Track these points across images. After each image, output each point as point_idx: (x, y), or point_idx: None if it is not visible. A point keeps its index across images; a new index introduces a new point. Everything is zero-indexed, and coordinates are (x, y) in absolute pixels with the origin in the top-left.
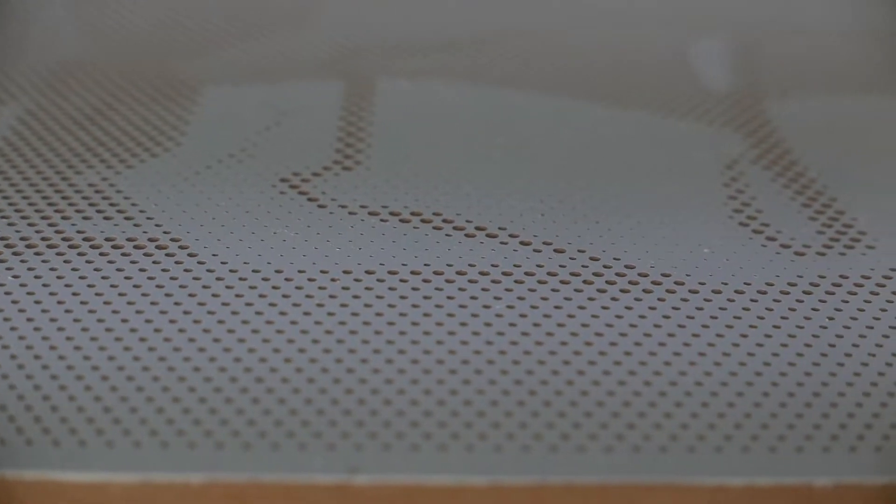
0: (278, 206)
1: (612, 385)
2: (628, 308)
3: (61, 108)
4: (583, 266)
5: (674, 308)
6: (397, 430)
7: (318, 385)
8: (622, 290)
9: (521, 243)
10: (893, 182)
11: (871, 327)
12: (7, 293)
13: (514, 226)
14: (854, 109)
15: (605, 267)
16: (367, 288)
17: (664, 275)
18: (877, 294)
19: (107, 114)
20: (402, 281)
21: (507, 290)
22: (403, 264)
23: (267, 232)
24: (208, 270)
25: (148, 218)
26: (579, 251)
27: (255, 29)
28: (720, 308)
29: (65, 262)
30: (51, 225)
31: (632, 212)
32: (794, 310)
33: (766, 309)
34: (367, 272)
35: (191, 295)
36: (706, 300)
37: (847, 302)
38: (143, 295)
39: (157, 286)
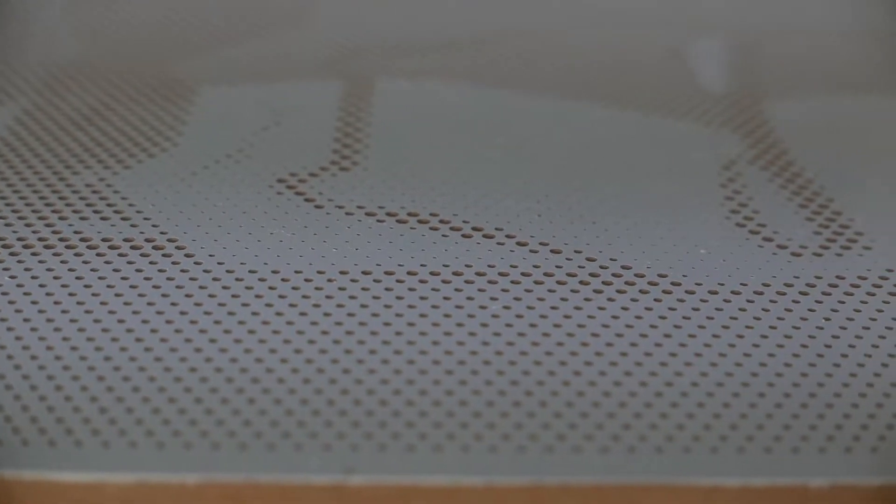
0: (275, 206)
1: (608, 386)
2: (625, 309)
3: (58, 109)
4: (579, 267)
5: (670, 309)
6: (393, 430)
7: (314, 385)
8: (619, 291)
9: (518, 244)
10: (891, 182)
11: (868, 328)
12: (4, 293)
13: (511, 226)
14: (852, 110)
15: (601, 267)
16: (363, 288)
17: (661, 275)
18: (873, 295)
19: (104, 114)
20: (398, 281)
21: (503, 290)
22: (400, 265)
23: (264, 232)
24: (205, 271)
25: (145, 218)
26: (576, 252)
27: (252, 29)
28: (716, 309)
29: (61, 262)
30: (48, 225)
31: (629, 212)
32: (790, 310)
33: (763, 310)
34: (364, 273)
35: (187, 296)
36: (703, 301)
37: (843, 303)
38: (140, 295)
39: (154, 287)
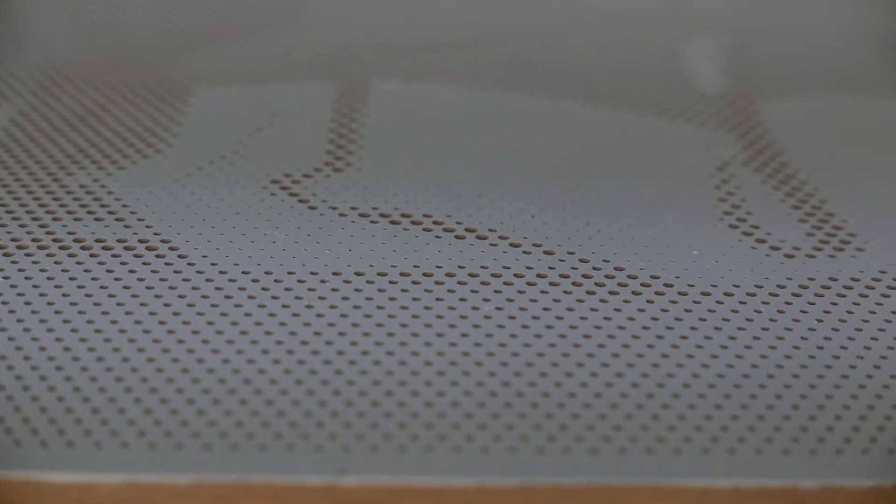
0: (269, 207)
1: (600, 387)
2: (617, 310)
3: (53, 110)
4: (572, 268)
5: (662, 310)
6: (385, 431)
7: (306, 386)
8: (611, 293)
9: (512, 245)
10: (884, 184)
11: (860, 329)
12: None
13: (505, 227)
14: (847, 111)
15: (594, 269)
16: (356, 290)
17: (653, 277)
18: (866, 296)
19: (98, 115)
20: (391, 283)
21: (496, 291)
22: (393, 266)
23: (257, 233)
24: (198, 272)
25: (139, 219)
26: (569, 253)
27: (246, 30)
28: (709, 310)
29: (55, 263)
30: (41, 226)
31: (622, 213)
32: (782, 312)
33: (755, 311)
34: (357, 274)
35: (180, 296)
36: (695, 302)
37: (836, 304)
38: (133, 296)
39: (147, 287)
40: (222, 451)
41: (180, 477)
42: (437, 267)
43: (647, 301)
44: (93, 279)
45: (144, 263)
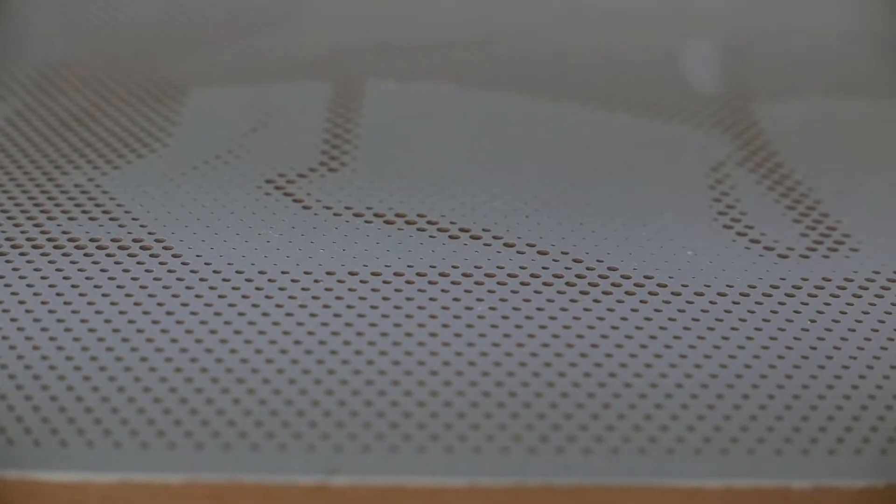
0: (263, 207)
1: (593, 387)
2: (610, 310)
3: (48, 109)
4: (566, 268)
5: (656, 310)
6: (377, 431)
7: (299, 386)
8: (605, 293)
9: (506, 245)
10: (878, 184)
11: (853, 330)
12: None
13: (499, 227)
14: (842, 111)
15: (588, 269)
16: (350, 289)
17: (647, 277)
18: (860, 297)
19: (93, 114)
20: (385, 283)
21: (489, 291)
22: (387, 266)
23: (251, 233)
24: (192, 271)
25: (133, 219)
26: (563, 253)
27: (242, 30)
28: (702, 310)
29: (49, 262)
30: (36, 226)
31: (616, 214)
32: (776, 312)
33: (748, 311)
34: (351, 273)
35: (174, 296)
36: (688, 302)
37: (829, 305)
38: (127, 296)
39: (141, 287)
40: (215, 450)
41: (173, 476)
42: (430, 267)
43: (641, 301)
44: (87, 278)
45: (139, 263)
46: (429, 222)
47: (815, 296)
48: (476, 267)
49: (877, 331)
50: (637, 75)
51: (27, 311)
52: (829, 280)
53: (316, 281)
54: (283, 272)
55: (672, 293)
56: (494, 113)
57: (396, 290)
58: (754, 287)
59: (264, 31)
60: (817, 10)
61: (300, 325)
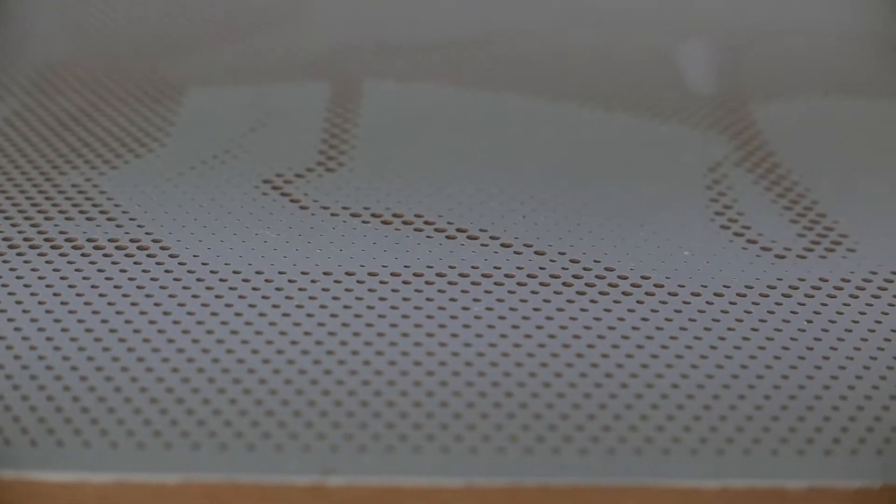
0: (260, 207)
1: (589, 387)
2: (607, 311)
3: (46, 109)
4: (563, 268)
5: (652, 311)
6: (373, 431)
7: (296, 386)
8: (601, 293)
9: (503, 245)
10: (876, 184)
11: (850, 331)
12: None
13: (496, 227)
14: (839, 111)
15: (585, 269)
16: (346, 290)
17: (644, 277)
18: (856, 297)
19: (91, 114)
20: (381, 283)
21: (486, 292)
22: (384, 266)
23: (248, 233)
24: (189, 272)
25: (130, 219)
26: (560, 253)
27: (240, 30)
28: (699, 311)
29: (46, 262)
30: (33, 226)
31: (613, 214)
32: (772, 313)
33: (745, 312)
34: (348, 274)
35: (171, 296)
36: (685, 303)
37: (826, 305)
38: (124, 296)
39: (138, 287)
40: (211, 450)
41: (169, 476)
42: (427, 267)
43: (638, 301)
44: (84, 278)
45: (136, 263)
46: (426, 222)
47: (812, 296)
48: (473, 267)
49: (873, 331)
50: (636, 75)
51: (24, 311)
52: (826, 280)
53: (313, 281)
54: (280, 272)
55: (669, 293)
56: (492, 113)
57: (393, 291)
58: (751, 287)
59: (263, 31)
60: (817, 10)
61: (297, 325)
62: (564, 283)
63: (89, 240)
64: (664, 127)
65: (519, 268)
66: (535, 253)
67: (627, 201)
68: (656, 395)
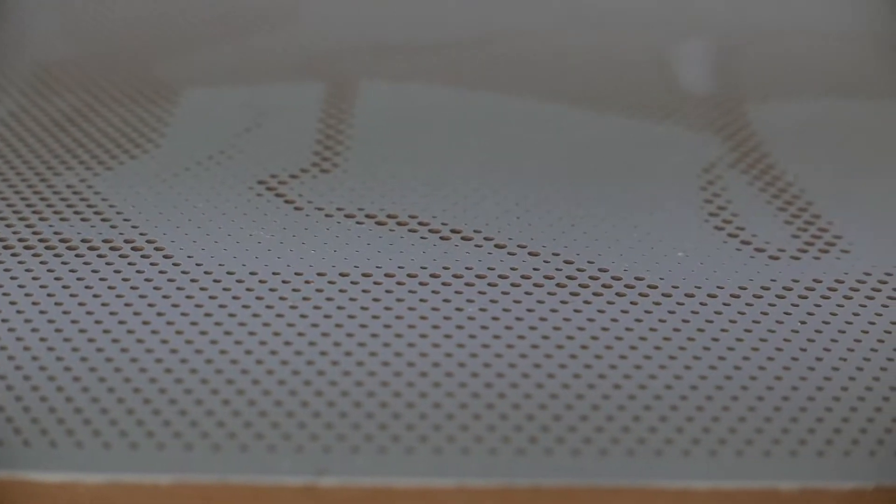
0: (255, 208)
1: (582, 388)
2: (601, 312)
3: (41, 110)
4: (556, 269)
5: (646, 312)
6: (366, 432)
7: (289, 387)
8: (595, 294)
9: (497, 246)
10: (869, 186)
11: (843, 332)
12: None
13: (490, 228)
14: (834, 113)
15: (578, 270)
16: (340, 290)
17: (637, 278)
18: (850, 298)
19: (86, 115)
20: (376, 284)
21: (480, 293)
22: (378, 267)
23: (243, 234)
24: (183, 272)
25: (125, 220)
26: (554, 254)
27: (235, 30)
28: (692, 312)
29: (40, 263)
30: (28, 226)
31: (607, 215)
32: (766, 314)
33: (739, 313)
34: (342, 275)
35: (165, 297)
36: (679, 304)
37: (819, 306)
38: (118, 297)
39: (132, 288)
40: (204, 451)
41: (162, 477)
42: (421, 268)
43: (631, 303)
44: (78, 279)
45: (130, 264)
46: (420, 223)
47: (806, 297)
48: (467, 268)
49: (867, 332)
50: (634, 76)
51: (18, 312)
52: (820, 281)
53: (307, 282)
54: (274, 273)
55: (663, 294)
56: (487, 114)
57: (387, 292)
58: (745, 288)
59: (259, 31)
60: (816, 10)
61: (290, 326)
62: (558, 285)
63: (84, 240)
64: (659, 127)
65: (513, 269)
66: (530, 254)
67: (621, 202)
68: (649, 396)
